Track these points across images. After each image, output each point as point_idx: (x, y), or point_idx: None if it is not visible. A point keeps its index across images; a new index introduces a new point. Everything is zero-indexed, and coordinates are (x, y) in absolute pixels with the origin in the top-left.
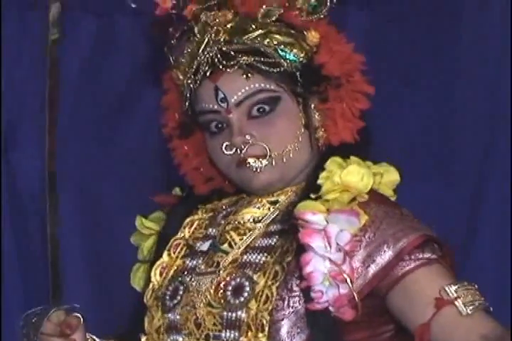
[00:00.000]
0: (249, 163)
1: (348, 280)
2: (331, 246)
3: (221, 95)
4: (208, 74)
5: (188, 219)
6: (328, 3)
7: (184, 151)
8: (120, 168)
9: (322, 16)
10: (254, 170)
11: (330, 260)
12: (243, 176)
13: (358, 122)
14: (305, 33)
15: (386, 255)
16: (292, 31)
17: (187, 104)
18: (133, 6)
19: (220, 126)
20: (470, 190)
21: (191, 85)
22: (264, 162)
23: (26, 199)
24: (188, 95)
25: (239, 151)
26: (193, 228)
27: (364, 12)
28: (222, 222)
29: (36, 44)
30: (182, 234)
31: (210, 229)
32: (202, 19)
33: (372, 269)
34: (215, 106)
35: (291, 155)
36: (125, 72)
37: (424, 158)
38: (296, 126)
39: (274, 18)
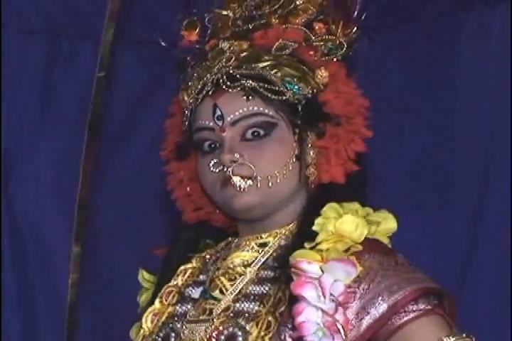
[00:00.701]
0: (233, 181)
1: (342, 330)
2: (324, 297)
3: (218, 113)
4: (210, 93)
5: (181, 268)
6: (345, 49)
7: (179, 177)
8: (118, 198)
9: (335, 60)
10: (238, 189)
11: (322, 310)
12: (226, 195)
13: (352, 165)
14: (315, 70)
15: (380, 307)
16: (303, 67)
17: (186, 123)
18: (163, 44)
19: (213, 146)
20: (469, 219)
21: (192, 103)
22: (249, 182)
23: (28, 239)
24: (188, 114)
25: (225, 169)
26: (186, 276)
27: (363, 41)
28: (212, 267)
29: (35, 74)
30: (175, 282)
31: (201, 276)
32: (218, 47)
33: (366, 321)
34: (211, 124)
35: (277, 181)
36: (122, 102)
37: (423, 187)
38: (288, 155)
39: (287, 52)
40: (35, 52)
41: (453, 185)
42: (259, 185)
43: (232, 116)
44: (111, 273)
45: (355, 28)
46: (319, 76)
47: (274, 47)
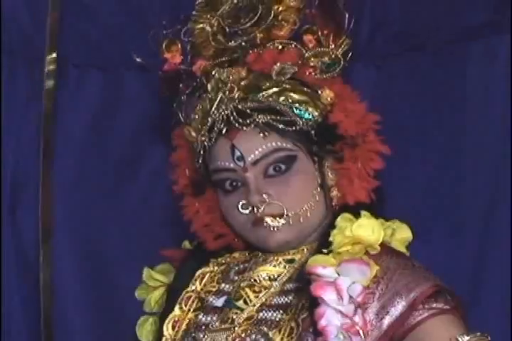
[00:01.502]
0: (266, 222)
1: (361, 332)
2: (343, 299)
3: (238, 153)
4: (223, 132)
5: (198, 272)
6: (342, 62)
7: (195, 209)
8: (122, 225)
9: (336, 75)
10: (271, 229)
11: (341, 312)
12: (259, 235)
13: (373, 182)
14: (319, 91)
15: (399, 306)
16: (306, 89)
17: (200, 161)
18: (138, 60)
19: (234, 184)
20: (477, 245)
21: (205, 143)
22: (282, 221)
23: (34, 262)
24: (201, 152)
25: (256, 210)
26: (204, 281)
27: (370, 69)
28: (236, 278)
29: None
30: (193, 287)
31: (224, 285)
32: (215, 76)
33: (387, 320)
34: (232, 165)
35: (308, 215)
36: (130, 128)
37: (430, 212)
38: (312, 186)
39: (288, 76)
40: (41, 82)
41: (461, 210)
42: (291, 222)
43: (252, 156)
44: (117, 296)
45: (346, 38)
46: (325, 97)
47: (274, 71)
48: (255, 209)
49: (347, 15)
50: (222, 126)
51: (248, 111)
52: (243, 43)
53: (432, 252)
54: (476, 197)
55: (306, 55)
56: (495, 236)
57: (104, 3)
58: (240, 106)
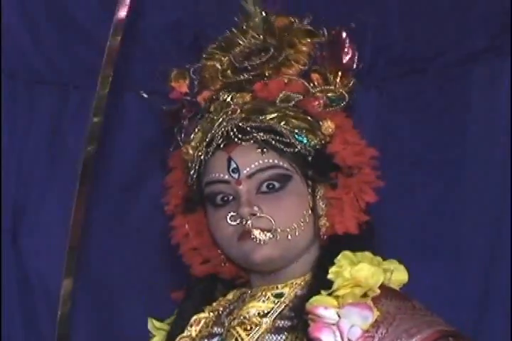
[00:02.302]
0: (253, 234)
1: None
2: None
3: (233, 165)
4: (221, 145)
5: (194, 317)
6: (347, 99)
7: (184, 231)
8: (126, 248)
9: (339, 110)
10: (258, 242)
11: None
12: (245, 248)
13: (363, 215)
14: (320, 122)
15: None
16: (309, 118)
17: (194, 176)
18: (145, 96)
19: (226, 198)
20: (480, 269)
21: (202, 157)
22: (269, 235)
23: (37, 289)
24: (196, 167)
25: (244, 222)
26: (199, 326)
27: (371, 91)
28: (227, 319)
29: (44, 123)
30: (189, 333)
31: (215, 328)
32: (219, 99)
33: None
34: (226, 177)
35: (296, 233)
36: (132, 150)
37: (434, 238)
38: (304, 207)
39: (292, 104)
40: (45, 102)
41: (464, 235)
42: (278, 237)
43: (248, 169)
44: (119, 320)
45: (353, 79)
46: (325, 127)
47: (278, 98)
48: (244, 221)
49: (356, 56)
50: (220, 140)
51: (248, 128)
52: (251, 77)
53: (436, 278)
54: (481, 221)
55: (312, 90)
56: (501, 261)
57: (102, 26)
58: (240, 124)
